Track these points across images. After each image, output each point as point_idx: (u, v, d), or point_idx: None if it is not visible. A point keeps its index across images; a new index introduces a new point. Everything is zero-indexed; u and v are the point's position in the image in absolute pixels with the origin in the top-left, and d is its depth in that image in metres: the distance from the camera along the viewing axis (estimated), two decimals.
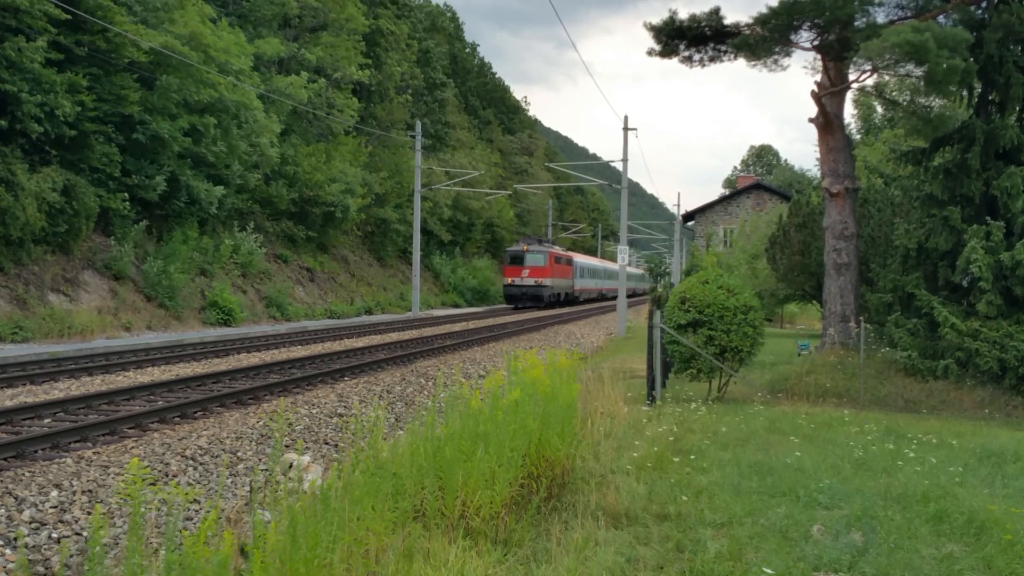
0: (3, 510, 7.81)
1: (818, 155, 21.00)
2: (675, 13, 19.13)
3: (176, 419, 12.45)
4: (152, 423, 12.06)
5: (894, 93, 26.42)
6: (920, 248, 16.80)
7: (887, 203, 23.44)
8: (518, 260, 54.36)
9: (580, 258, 69.52)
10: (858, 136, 52.76)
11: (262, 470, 10.18)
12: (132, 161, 28.41)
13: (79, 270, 26.78)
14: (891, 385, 15.58)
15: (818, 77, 19.09)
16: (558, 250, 60.41)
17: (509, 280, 54.52)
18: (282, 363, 18.66)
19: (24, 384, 15.05)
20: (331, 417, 13.44)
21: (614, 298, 79.26)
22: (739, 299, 14.36)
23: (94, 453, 10.09)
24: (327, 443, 12.05)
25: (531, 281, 53.75)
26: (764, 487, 7.81)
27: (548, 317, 43.97)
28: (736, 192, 60.28)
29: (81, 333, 23.99)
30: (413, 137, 47.58)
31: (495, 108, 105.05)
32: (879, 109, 50.03)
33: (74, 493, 8.48)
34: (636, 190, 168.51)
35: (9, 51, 23.22)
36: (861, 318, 16.91)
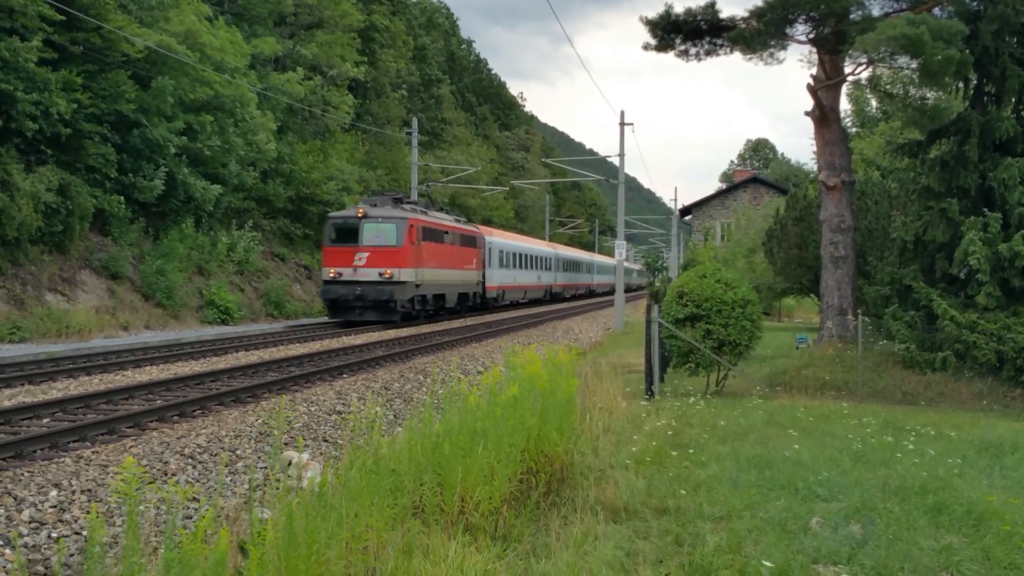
0: (2, 510, 7.81)
1: (814, 149, 21.02)
2: (671, 7, 19.18)
3: (175, 418, 12.44)
4: (151, 422, 12.04)
5: (889, 86, 26.42)
6: (917, 240, 16.82)
7: (884, 196, 23.47)
8: (348, 236, 31.20)
9: (499, 237, 46.03)
10: (854, 129, 52.74)
11: (261, 468, 10.18)
12: (129, 161, 28.37)
13: (76, 270, 26.74)
14: (889, 378, 15.60)
15: (814, 70, 19.11)
16: (440, 219, 36.79)
17: (331, 273, 30.92)
18: (280, 361, 18.64)
19: (22, 384, 15.03)
20: (330, 414, 13.43)
21: (572, 298, 64.30)
22: (737, 293, 14.37)
23: (93, 452, 10.08)
24: (326, 440, 12.05)
25: (371, 273, 30.42)
26: (763, 480, 7.81)
27: (545, 313, 43.62)
28: (733, 186, 60.26)
29: (79, 333, 23.96)
30: (409, 134, 47.54)
31: (491, 104, 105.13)
32: (874, 102, 50.03)
33: (73, 493, 8.47)
34: (633, 185, 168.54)
35: (3, 51, 23.17)
36: (859, 311, 16.92)
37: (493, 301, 43.39)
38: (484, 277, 41.97)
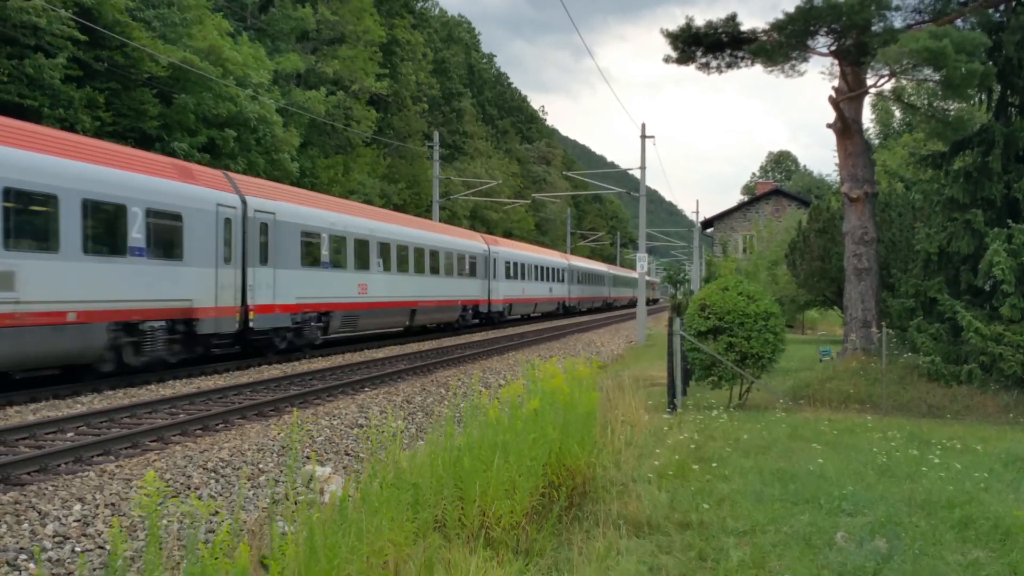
0: (27, 524, 7.86)
1: (837, 160, 20.90)
2: (692, 20, 19.15)
3: (198, 432, 12.50)
4: (174, 436, 12.10)
5: (912, 97, 26.29)
6: (942, 252, 16.67)
7: (908, 207, 23.30)
8: None
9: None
10: (877, 141, 52.48)
11: (282, 482, 10.20)
12: None
13: None
14: (914, 390, 15.44)
15: (835, 82, 19.01)
16: None
17: None
18: (303, 375, 18.70)
19: (47, 399, 15.15)
20: (351, 428, 13.46)
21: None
22: (759, 305, 14.29)
23: (117, 466, 10.14)
24: (348, 454, 12.06)
25: None
26: (787, 494, 7.75)
27: (567, 326, 43.58)
28: (755, 198, 60.04)
29: None
30: (431, 147, 47.69)
31: (513, 117, 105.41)
32: (897, 114, 49.76)
33: (97, 507, 8.52)
34: (654, 197, 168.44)
35: (29, 68, 23.47)
36: (883, 323, 16.78)
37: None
38: None
